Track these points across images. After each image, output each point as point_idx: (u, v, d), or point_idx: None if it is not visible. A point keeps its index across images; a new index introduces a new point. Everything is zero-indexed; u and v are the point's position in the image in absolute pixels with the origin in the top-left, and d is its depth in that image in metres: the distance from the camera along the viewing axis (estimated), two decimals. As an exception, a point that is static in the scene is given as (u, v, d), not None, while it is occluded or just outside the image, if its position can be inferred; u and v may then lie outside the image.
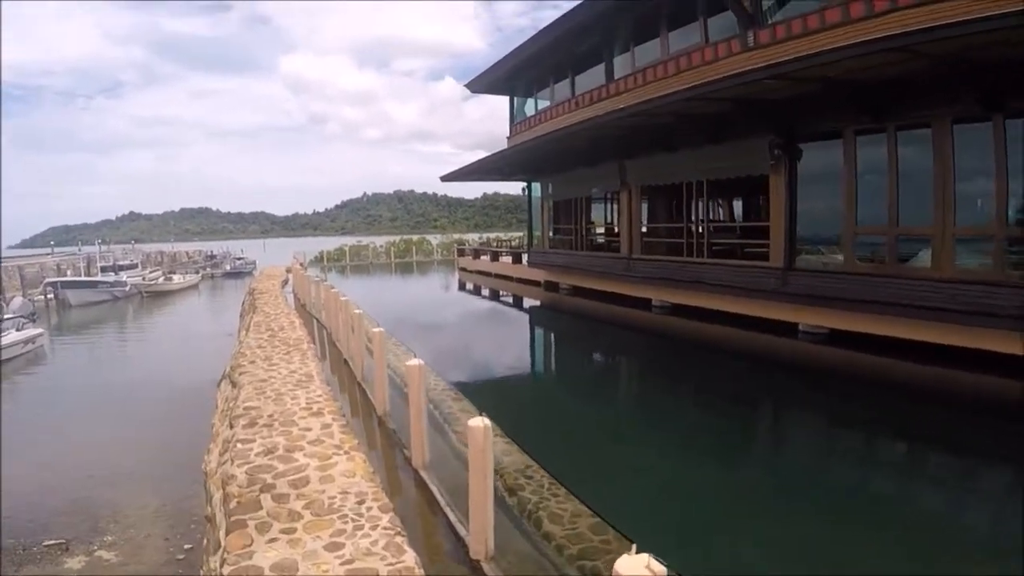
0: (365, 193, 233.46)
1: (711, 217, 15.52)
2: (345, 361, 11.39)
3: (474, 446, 4.42)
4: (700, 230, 15.59)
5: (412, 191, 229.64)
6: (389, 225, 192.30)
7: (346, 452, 6.39)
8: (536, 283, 24.87)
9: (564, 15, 18.54)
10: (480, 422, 4.41)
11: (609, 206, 21.87)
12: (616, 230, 19.73)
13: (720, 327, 14.82)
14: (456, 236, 58.48)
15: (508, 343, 17.27)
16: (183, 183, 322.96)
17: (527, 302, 23.58)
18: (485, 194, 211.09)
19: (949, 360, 10.29)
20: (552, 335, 18.36)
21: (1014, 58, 8.85)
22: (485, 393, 10.99)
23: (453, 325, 19.69)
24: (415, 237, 57.90)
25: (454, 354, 14.83)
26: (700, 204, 15.51)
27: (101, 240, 65.10)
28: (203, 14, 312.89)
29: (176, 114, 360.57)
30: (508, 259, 29.97)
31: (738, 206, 19.86)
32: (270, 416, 7.87)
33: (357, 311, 9.88)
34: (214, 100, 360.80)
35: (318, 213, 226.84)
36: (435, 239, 56.11)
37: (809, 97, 12.00)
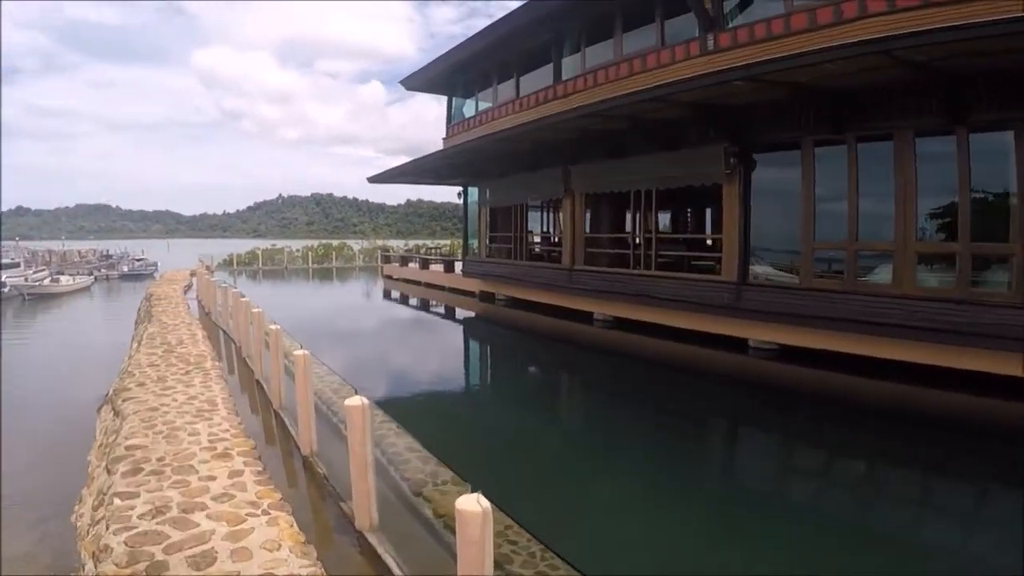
0: (281, 195, 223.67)
1: (660, 228, 14.87)
2: (258, 382, 9.64)
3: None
4: (648, 241, 14.94)
5: (331, 195, 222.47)
6: (305, 229, 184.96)
7: (265, 512, 4.93)
8: (470, 293, 23.62)
9: (511, 12, 17.65)
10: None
11: (550, 214, 21.07)
12: (558, 239, 18.89)
13: (666, 342, 14.26)
14: (380, 242, 56.06)
15: (443, 357, 15.95)
16: (80, 177, 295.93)
17: (461, 313, 22.25)
18: (409, 200, 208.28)
19: (908, 377, 10.13)
20: (489, 348, 17.16)
21: (982, 69, 8.71)
22: (421, 411, 10.12)
23: (381, 337, 18.04)
24: (335, 242, 54.93)
25: (384, 370, 13.48)
26: (649, 214, 14.87)
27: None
28: (115, 2, 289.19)
29: (75, 105, 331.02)
30: (439, 267, 28.52)
31: (686, 218, 19.51)
32: (160, 459, 6.21)
33: (274, 326, 8.24)
34: (118, 91, 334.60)
35: (229, 214, 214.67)
36: (357, 245, 53.51)
37: (768, 104, 11.66)
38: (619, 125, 14.16)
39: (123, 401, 8.14)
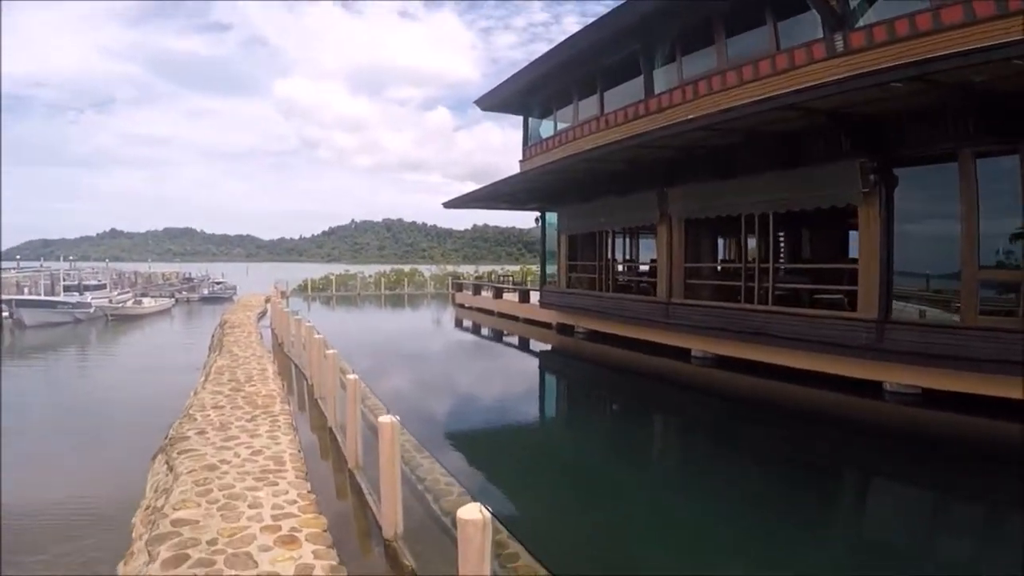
0: (353, 220, 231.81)
1: (778, 256, 12.94)
2: (331, 431, 8.50)
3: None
4: (763, 272, 13.04)
5: (401, 220, 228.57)
6: (376, 254, 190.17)
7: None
8: (546, 325, 22.14)
9: (593, 24, 16.44)
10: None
11: (640, 241, 19.40)
12: (648, 269, 17.18)
13: (780, 383, 12.30)
14: (450, 268, 55.72)
15: (526, 394, 14.78)
16: (169, 203, 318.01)
17: (539, 346, 20.77)
18: (475, 225, 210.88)
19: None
20: (575, 385, 15.56)
21: None
22: (507, 451, 9.42)
23: (463, 372, 16.71)
24: (406, 268, 55.01)
25: (468, 409, 12.45)
26: (763, 241, 13.02)
27: (74, 257, 61.64)
28: (203, 33, 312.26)
29: (168, 133, 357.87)
30: (513, 296, 27.24)
31: (804, 245, 17.30)
32: (212, 543, 5.04)
33: (352, 376, 7.04)
34: (207, 120, 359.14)
35: (305, 239, 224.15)
36: (427, 270, 53.31)
37: (916, 112, 9.81)
38: (730, 140, 12.51)
39: (178, 454, 7.13)
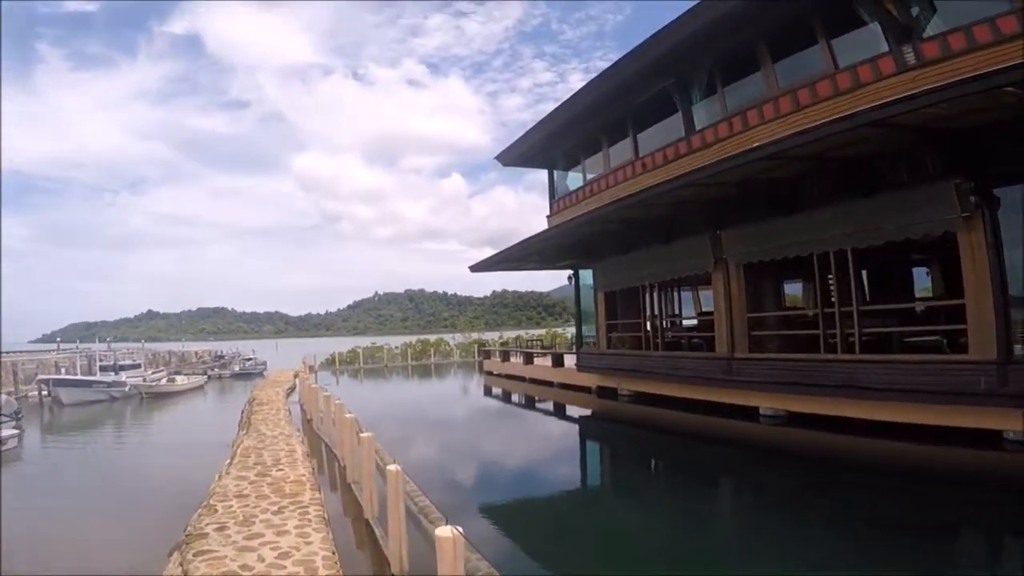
0: (376, 293, 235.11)
1: (862, 298, 11.54)
2: (368, 526, 7.15)
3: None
4: (845, 316, 11.62)
5: (423, 290, 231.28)
6: (400, 325, 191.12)
7: None
8: (585, 389, 20.56)
9: (618, 63, 15.61)
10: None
11: (686, 294, 18.13)
12: (707, 323, 15.79)
13: (874, 440, 10.86)
14: (474, 336, 54.55)
15: (586, 469, 13.36)
16: (201, 282, 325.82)
17: (581, 412, 19.21)
18: (494, 291, 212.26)
19: None
20: (635, 455, 13.89)
21: None
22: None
23: (508, 449, 15.09)
24: (432, 338, 54.02)
25: (517, 487, 10.88)
26: (844, 281, 11.67)
27: (111, 338, 62.35)
28: (223, 110, 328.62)
29: (196, 212, 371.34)
30: (545, 361, 25.82)
31: (888, 283, 15.74)
32: None
33: (393, 467, 5.78)
34: (232, 199, 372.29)
35: (330, 313, 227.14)
36: (452, 339, 52.21)
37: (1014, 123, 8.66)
38: (793, 171, 11.45)
39: (194, 555, 5.84)
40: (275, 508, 7.26)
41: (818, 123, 9.83)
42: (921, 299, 14.54)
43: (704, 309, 19.28)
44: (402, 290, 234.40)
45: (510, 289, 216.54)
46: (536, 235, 18.95)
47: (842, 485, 9.73)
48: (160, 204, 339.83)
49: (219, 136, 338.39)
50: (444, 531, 3.89)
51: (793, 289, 17.11)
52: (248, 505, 7.37)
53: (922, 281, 14.01)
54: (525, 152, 22.06)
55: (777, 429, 12.89)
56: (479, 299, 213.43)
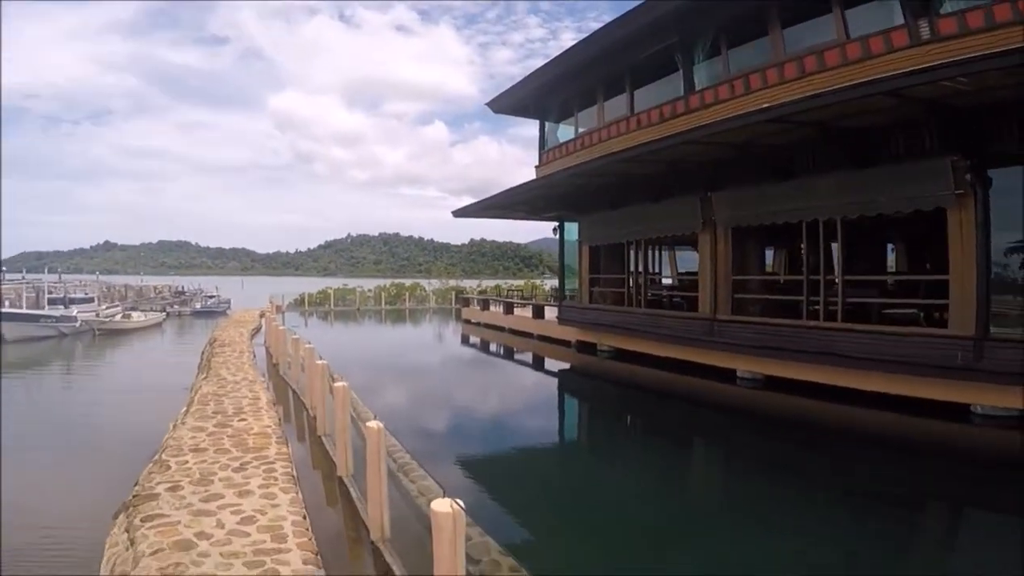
0: (349, 234, 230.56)
1: (848, 267, 11.35)
2: (342, 484, 6.79)
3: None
4: (830, 285, 11.49)
5: (398, 234, 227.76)
6: (373, 268, 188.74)
7: None
8: (564, 343, 20.46)
9: (621, 18, 14.99)
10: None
11: (674, 253, 17.82)
12: (691, 283, 15.57)
13: (849, 408, 11.03)
14: (452, 283, 53.96)
15: (563, 423, 13.32)
16: (164, 216, 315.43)
17: (559, 366, 19.10)
18: (472, 240, 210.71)
19: None
20: (612, 411, 13.88)
21: None
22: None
23: (487, 399, 14.93)
24: (408, 282, 53.24)
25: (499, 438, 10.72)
26: (833, 250, 11.47)
27: (62, 269, 59.64)
28: (200, 46, 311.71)
29: (163, 146, 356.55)
30: (526, 312, 25.58)
31: (875, 254, 15.70)
32: None
33: (374, 424, 5.33)
34: (202, 133, 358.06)
35: (300, 253, 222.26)
36: (429, 285, 51.55)
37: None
38: (794, 137, 11.00)
39: (142, 521, 5.40)
40: (236, 464, 6.81)
41: (827, 89, 9.35)
42: (904, 274, 14.48)
43: (683, 270, 19.12)
44: (376, 233, 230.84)
45: (488, 238, 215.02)
46: (525, 183, 18.31)
47: (816, 449, 9.83)
48: (125, 136, 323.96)
49: (193, 71, 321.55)
50: (442, 505, 3.30)
51: (776, 256, 16.91)
52: (206, 461, 6.90)
53: (900, 256, 13.94)
54: (517, 101, 21.14)
55: (754, 392, 12.94)
56: (456, 247, 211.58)
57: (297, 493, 6.14)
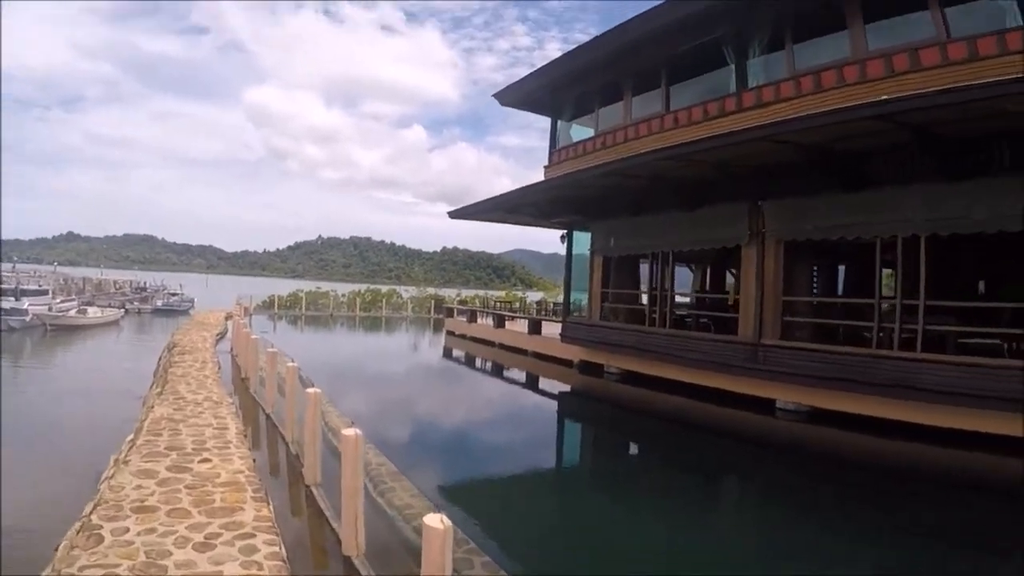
0: (320, 236, 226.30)
1: (931, 291, 9.80)
2: (350, 564, 4.79)
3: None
4: (909, 309, 9.94)
5: (369, 238, 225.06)
6: (342, 272, 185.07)
7: None
8: (564, 362, 18.63)
9: (661, 7, 13.42)
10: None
11: (705, 268, 16.21)
12: (720, 302, 13.96)
13: (928, 447, 9.52)
14: (430, 291, 51.64)
15: (566, 454, 11.46)
16: (130, 207, 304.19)
17: (558, 387, 17.24)
18: (444, 248, 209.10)
19: None
20: (632, 445, 12.11)
21: None
22: None
23: (484, 430, 12.87)
24: (384, 288, 50.75)
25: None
26: (913, 270, 9.93)
27: (17, 258, 55.46)
28: (180, 35, 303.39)
29: (135, 135, 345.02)
30: (518, 326, 23.68)
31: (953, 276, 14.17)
32: None
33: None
34: (173, 123, 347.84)
35: (269, 252, 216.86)
36: (406, 292, 49.14)
37: None
38: (886, 140, 9.48)
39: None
40: (199, 538, 4.71)
41: (934, 90, 7.85)
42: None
43: (705, 287, 17.57)
44: (347, 236, 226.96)
45: (461, 247, 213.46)
46: (539, 183, 16.61)
47: (890, 494, 8.33)
48: (94, 124, 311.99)
49: (170, 60, 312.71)
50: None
51: (824, 274, 15.42)
52: (155, 530, 4.78)
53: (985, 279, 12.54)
54: (528, 94, 19.28)
55: (800, 426, 11.37)
56: (428, 253, 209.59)
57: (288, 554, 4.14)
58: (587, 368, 17.64)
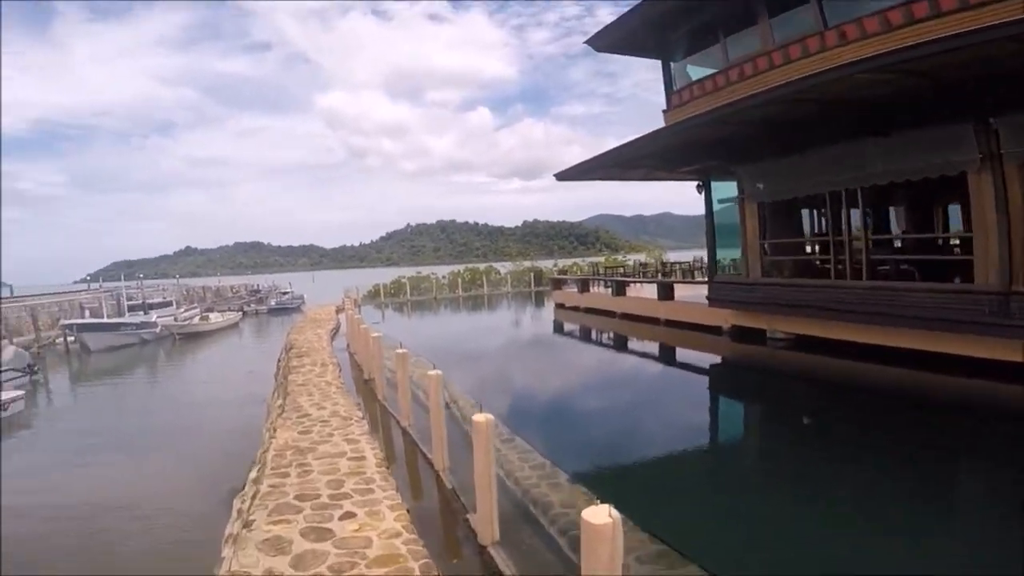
0: (409, 224, 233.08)
1: None
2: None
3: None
4: None
5: (454, 220, 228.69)
6: (433, 255, 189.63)
7: None
8: (712, 329, 16.05)
9: None
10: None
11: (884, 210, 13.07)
12: (924, 244, 10.88)
13: None
14: (527, 264, 49.89)
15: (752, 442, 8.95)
16: (237, 218, 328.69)
17: (704, 358, 14.81)
18: (525, 221, 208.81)
19: None
20: (853, 431, 9.47)
21: None
22: None
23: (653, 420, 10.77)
24: (482, 266, 49.64)
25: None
26: None
27: (143, 275, 60.45)
28: (246, 53, 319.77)
29: (225, 153, 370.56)
30: (643, 292, 21.28)
31: None
32: None
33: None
34: (260, 138, 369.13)
35: (364, 245, 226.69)
36: (503, 268, 47.75)
37: None
38: None
39: None
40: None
41: None
42: None
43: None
44: (433, 221, 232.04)
45: (541, 219, 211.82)
46: (667, 128, 14.11)
47: None
48: (189, 147, 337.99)
49: (243, 78, 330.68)
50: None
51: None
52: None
53: None
54: (628, 34, 16.31)
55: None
56: (510, 229, 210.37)
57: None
58: (743, 334, 15.04)
